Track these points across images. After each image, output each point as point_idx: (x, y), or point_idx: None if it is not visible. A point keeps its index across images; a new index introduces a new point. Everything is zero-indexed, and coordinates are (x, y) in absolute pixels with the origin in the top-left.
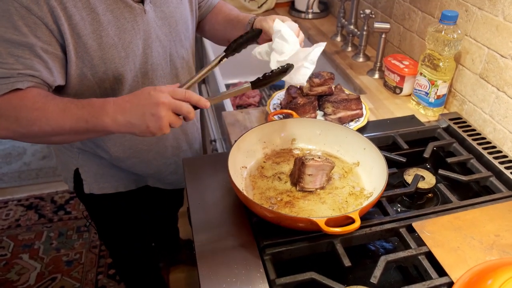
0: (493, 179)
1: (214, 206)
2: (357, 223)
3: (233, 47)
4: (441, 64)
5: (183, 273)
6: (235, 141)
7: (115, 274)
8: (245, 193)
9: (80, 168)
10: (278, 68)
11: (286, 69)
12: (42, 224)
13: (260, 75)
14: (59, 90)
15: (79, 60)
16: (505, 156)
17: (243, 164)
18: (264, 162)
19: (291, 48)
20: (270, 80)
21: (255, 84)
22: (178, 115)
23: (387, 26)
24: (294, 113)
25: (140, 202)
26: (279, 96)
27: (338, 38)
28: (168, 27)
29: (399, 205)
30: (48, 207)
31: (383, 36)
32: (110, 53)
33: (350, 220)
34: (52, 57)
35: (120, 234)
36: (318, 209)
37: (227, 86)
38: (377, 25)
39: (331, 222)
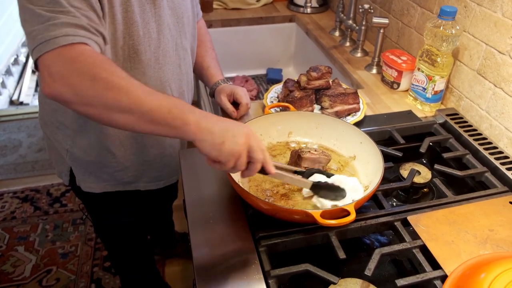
0: (488, 175)
1: (210, 198)
2: (353, 216)
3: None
4: (439, 59)
5: (178, 266)
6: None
7: (110, 267)
8: (241, 185)
9: (72, 165)
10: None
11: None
12: (37, 217)
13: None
14: None
15: (107, 29)
16: (501, 152)
17: None
18: None
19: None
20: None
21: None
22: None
23: (386, 21)
24: (291, 106)
25: (132, 201)
26: (276, 89)
27: (337, 33)
28: (176, 17)
29: (394, 199)
30: (43, 199)
31: (382, 31)
32: (130, 29)
33: (345, 213)
34: (99, 14)
35: (115, 228)
36: (313, 202)
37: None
38: (375, 20)
39: (326, 214)
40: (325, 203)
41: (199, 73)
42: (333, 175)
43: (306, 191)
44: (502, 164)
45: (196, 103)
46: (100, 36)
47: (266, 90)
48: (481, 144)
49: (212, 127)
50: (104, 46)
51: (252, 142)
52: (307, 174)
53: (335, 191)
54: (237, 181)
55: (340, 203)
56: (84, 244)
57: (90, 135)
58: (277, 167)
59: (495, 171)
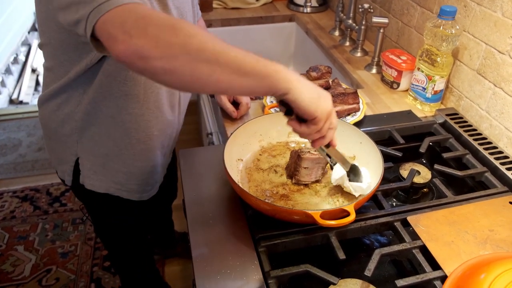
0: (488, 175)
1: (210, 198)
2: (352, 216)
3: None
4: (438, 59)
5: (178, 266)
6: (231, 133)
7: (110, 266)
8: (240, 185)
9: (80, 159)
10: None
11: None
12: (37, 216)
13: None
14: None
15: None
16: (501, 152)
17: (239, 156)
18: (260, 155)
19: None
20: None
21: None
22: None
23: (386, 20)
24: None
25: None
26: None
27: (337, 33)
28: (181, 16)
29: (394, 199)
30: (43, 199)
31: (381, 31)
32: None
33: (345, 213)
34: None
35: (115, 228)
36: (313, 202)
37: None
38: (375, 19)
39: (326, 215)
40: (355, 186)
41: None
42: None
43: (335, 178)
44: (502, 164)
45: (196, 102)
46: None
47: None
48: (481, 144)
49: (304, 80)
50: None
51: (333, 117)
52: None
53: (358, 176)
54: (236, 182)
55: (364, 185)
56: (83, 244)
57: (100, 125)
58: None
59: (495, 171)
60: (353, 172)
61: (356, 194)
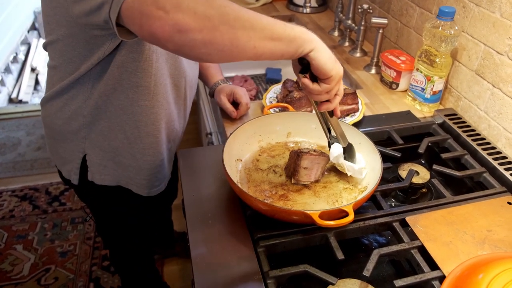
0: (486, 175)
1: (209, 198)
2: (351, 217)
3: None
4: (437, 60)
5: (177, 266)
6: (231, 133)
7: (109, 266)
8: (239, 185)
9: (87, 155)
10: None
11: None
12: (36, 215)
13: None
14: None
15: None
16: (499, 153)
17: (238, 156)
18: (259, 155)
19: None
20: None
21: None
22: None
23: (385, 21)
24: (290, 106)
25: (137, 199)
26: (275, 89)
27: (336, 33)
28: None
29: (393, 200)
30: (42, 198)
31: (381, 31)
32: None
33: (344, 214)
34: None
35: (117, 227)
36: (312, 202)
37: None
38: (374, 20)
39: (325, 215)
40: (348, 165)
41: (198, 73)
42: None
43: (334, 155)
44: (501, 164)
45: (195, 102)
46: None
47: (265, 90)
48: (479, 145)
49: (322, 42)
50: None
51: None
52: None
53: (352, 158)
54: (236, 182)
55: (357, 166)
56: (82, 243)
57: (110, 119)
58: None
59: (493, 171)
60: (348, 153)
61: (348, 174)
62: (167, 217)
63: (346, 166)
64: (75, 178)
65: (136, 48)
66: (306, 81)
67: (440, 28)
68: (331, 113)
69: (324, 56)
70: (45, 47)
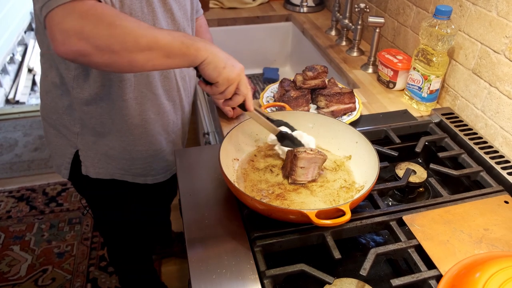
0: (483, 174)
1: (206, 198)
2: (348, 216)
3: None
4: (434, 59)
5: (175, 266)
6: (227, 133)
7: (106, 266)
8: (236, 185)
9: (80, 151)
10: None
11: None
12: (33, 216)
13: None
14: None
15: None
16: (496, 151)
17: (235, 156)
18: (255, 155)
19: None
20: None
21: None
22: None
23: (382, 20)
24: (287, 106)
25: (137, 194)
26: (272, 89)
27: (333, 32)
28: (178, 3)
29: (390, 199)
30: (39, 199)
31: (377, 30)
32: (131, 6)
33: (341, 213)
34: None
35: (116, 224)
36: (309, 202)
37: None
38: (371, 19)
39: (322, 214)
40: (285, 150)
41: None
42: (296, 130)
43: (271, 138)
44: (497, 163)
45: (192, 102)
46: None
47: (263, 89)
48: (476, 143)
49: (218, 52)
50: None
51: (243, 77)
52: (276, 123)
53: (294, 143)
54: (232, 182)
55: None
56: (80, 244)
57: (101, 113)
58: (256, 110)
59: (490, 170)
60: (288, 140)
61: (283, 157)
62: (165, 216)
63: (282, 151)
64: (65, 172)
65: None
66: (201, 83)
67: (437, 27)
68: (243, 108)
69: (210, 67)
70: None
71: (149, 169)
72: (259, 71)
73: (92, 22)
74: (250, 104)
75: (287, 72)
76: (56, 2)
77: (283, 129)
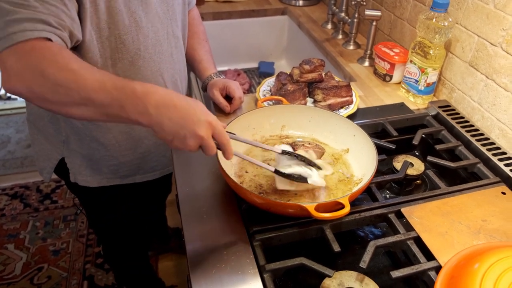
0: (480, 166)
1: (203, 193)
2: (347, 209)
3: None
4: (431, 52)
5: (172, 261)
6: (224, 127)
7: (102, 263)
8: (234, 179)
9: (66, 158)
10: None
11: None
12: (27, 214)
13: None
14: None
15: (89, 20)
16: (493, 143)
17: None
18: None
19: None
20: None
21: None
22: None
23: (378, 13)
24: (284, 99)
25: (128, 194)
26: (269, 82)
27: (329, 26)
28: (166, 5)
29: (388, 191)
30: (33, 196)
31: (374, 23)
32: (115, 18)
33: (339, 206)
34: (73, 6)
35: (110, 223)
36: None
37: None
38: (368, 12)
39: (320, 207)
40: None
41: (191, 66)
42: (303, 161)
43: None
44: (494, 155)
45: (188, 96)
46: (65, 30)
47: (258, 83)
48: (473, 136)
49: (164, 124)
50: (69, 41)
51: (204, 142)
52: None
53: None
54: (230, 176)
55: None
56: (75, 241)
57: (81, 128)
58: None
59: (487, 162)
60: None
61: (280, 188)
62: (161, 212)
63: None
64: (47, 176)
65: (83, 53)
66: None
67: (434, 19)
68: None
69: (158, 136)
70: None
71: (136, 170)
72: (254, 65)
73: (28, 67)
74: (226, 154)
75: (283, 66)
76: (4, 44)
77: (284, 161)
